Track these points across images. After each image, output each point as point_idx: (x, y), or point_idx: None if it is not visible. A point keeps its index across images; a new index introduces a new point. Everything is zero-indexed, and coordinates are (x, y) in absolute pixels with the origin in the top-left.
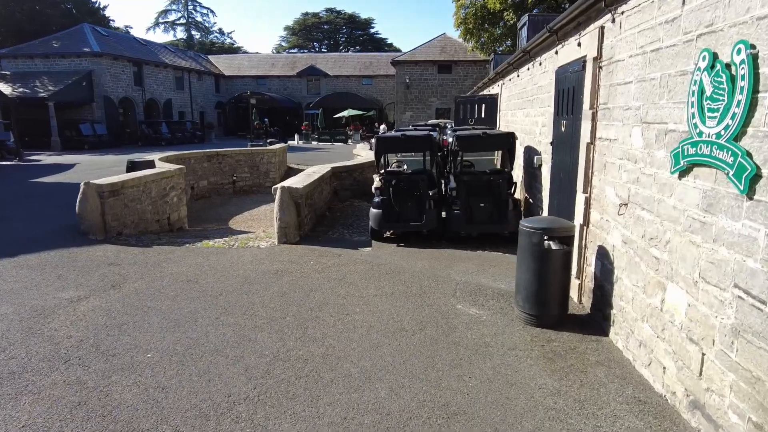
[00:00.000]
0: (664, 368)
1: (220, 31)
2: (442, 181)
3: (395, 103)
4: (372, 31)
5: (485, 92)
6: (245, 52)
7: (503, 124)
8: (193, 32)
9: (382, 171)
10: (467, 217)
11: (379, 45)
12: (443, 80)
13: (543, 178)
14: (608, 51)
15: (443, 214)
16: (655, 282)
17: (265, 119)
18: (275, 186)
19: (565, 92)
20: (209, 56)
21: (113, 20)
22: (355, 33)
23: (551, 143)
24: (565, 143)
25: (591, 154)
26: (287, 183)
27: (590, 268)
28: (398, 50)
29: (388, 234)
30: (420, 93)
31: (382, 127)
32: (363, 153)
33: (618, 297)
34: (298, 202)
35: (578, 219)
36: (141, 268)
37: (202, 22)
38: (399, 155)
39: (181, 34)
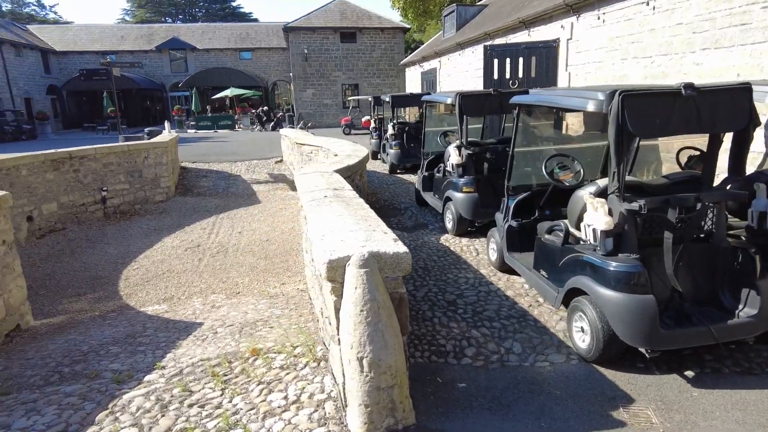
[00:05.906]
0: None
1: (39, 4)
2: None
3: (293, 79)
4: (234, 4)
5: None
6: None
7: (583, 82)
8: None
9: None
10: None
11: (244, 20)
12: (348, 51)
13: None
14: None
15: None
16: None
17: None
18: (341, 256)
19: None
20: (29, 27)
21: None
22: (213, 7)
23: None
24: None
25: None
26: (363, 243)
27: None
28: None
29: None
30: (321, 66)
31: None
32: (301, 137)
33: None
34: (399, 293)
35: None
36: None
37: None
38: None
39: None
